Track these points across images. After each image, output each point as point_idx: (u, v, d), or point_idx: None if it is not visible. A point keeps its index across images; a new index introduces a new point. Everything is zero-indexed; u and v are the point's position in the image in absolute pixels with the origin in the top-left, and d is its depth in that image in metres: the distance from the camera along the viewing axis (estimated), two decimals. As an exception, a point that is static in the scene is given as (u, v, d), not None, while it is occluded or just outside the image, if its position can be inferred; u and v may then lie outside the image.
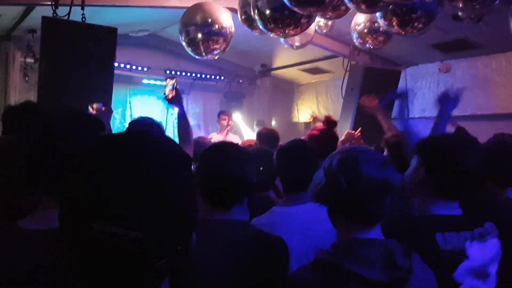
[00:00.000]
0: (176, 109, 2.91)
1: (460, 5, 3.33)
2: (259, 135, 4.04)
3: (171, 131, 6.35)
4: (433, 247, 1.52)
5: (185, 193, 0.79)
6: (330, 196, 1.33)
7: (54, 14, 3.65)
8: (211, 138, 5.46)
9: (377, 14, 3.60)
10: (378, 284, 1.19)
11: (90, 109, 3.24)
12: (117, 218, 0.72)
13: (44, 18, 3.58)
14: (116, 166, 0.75)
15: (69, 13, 3.68)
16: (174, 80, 2.86)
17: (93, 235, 0.71)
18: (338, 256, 1.25)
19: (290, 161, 2.10)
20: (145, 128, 2.66)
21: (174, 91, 2.83)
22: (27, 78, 6.51)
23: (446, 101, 2.37)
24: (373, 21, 4.09)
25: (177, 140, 2.82)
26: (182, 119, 2.85)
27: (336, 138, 3.60)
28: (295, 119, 9.27)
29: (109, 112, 3.30)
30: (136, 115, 7.74)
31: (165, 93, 2.87)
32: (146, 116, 2.90)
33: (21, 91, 6.28)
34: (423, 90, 6.44)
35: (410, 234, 1.51)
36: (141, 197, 0.73)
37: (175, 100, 2.84)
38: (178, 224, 0.77)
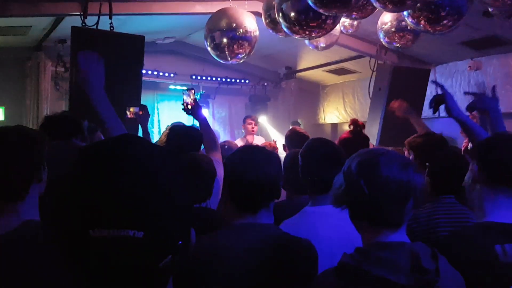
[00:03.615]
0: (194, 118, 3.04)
1: (491, 1, 3.23)
2: (288, 137, 3.84)
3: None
4: (492, 258, 1.42)
5: (181, 187, 0.78)
6: (351, 200, 1.30)
7: (83, 24, 3.73)
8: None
9: (404, 12, 3.53)
10: None
11: (128, 113, 3.32)
12: (115, 220, 0.70)
13: (73, 28, 3.66)
14: (107, 169, 0.73)
15: (97, 23, 3.75)
16: (192, 91, 2.99)
17: (91, 242, 0.69)
18: (363, 260, 1.21)
19: (320, 161, 2.03)
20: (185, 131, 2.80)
21: (193, 102, 2.98)
22: (58, 87, 6.69)
23: (487, 100, 2.28)
24: (400, 20, 4.01)
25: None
26: (205, 127, 2.95)
27: (367, 138, 3.51)
28: (321, 121, 9.20)
29: (146, 115, 3.39)
30: (163, 121, 7.89)
31: (185, 104, 3.00)
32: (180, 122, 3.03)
33: (52, 99, 6.47)
34: (453, 88, 6.28)
35: (467, 244, 1.44)
36: (136, 196, 0.71)
37: (194, 111, 2.99)
38: (176, 219, 0.75)
